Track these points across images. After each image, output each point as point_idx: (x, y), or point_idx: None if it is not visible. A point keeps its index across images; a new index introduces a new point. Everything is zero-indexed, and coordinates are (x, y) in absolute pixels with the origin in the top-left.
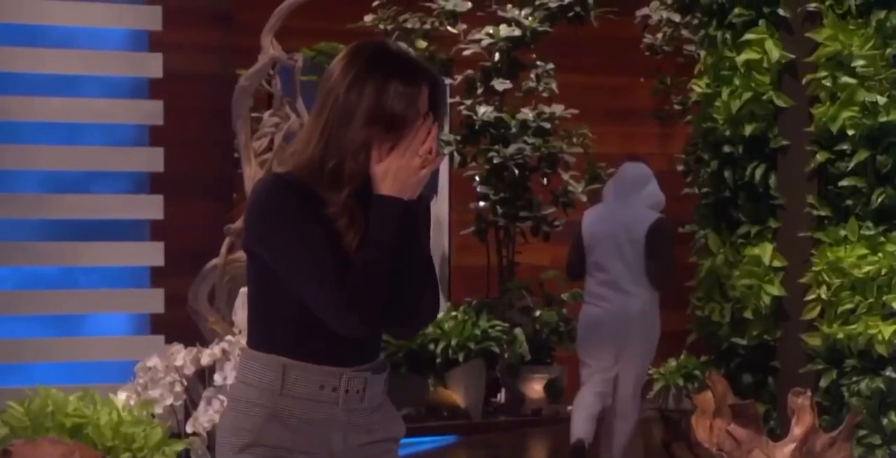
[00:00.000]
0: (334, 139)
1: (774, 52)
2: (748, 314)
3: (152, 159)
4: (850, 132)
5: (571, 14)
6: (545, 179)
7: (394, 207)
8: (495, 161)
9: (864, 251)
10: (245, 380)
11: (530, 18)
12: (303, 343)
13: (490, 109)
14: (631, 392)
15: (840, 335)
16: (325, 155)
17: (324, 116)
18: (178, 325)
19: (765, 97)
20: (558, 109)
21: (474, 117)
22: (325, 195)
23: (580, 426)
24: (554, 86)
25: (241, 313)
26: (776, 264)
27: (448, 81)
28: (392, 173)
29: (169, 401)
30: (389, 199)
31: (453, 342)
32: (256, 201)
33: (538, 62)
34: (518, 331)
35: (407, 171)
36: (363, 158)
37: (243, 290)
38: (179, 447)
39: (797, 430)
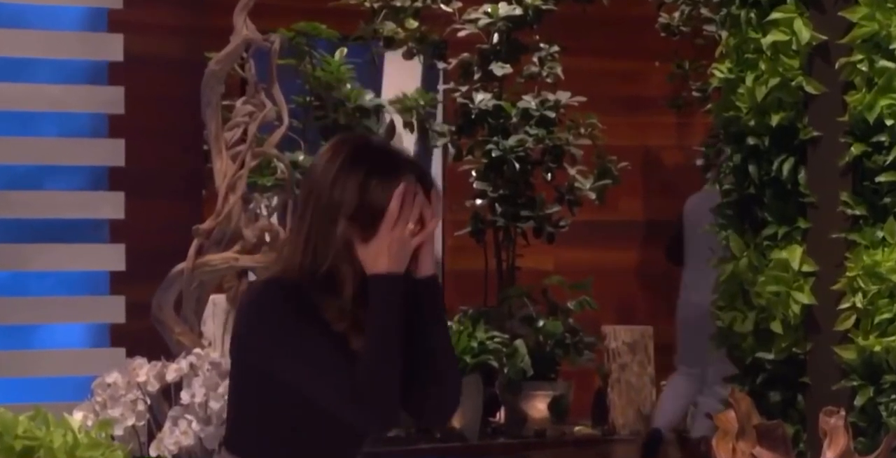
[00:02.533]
0: (321, 241)
1: (804, 33)
2: (775, 325)
3: (112, 152)
4: (889, 122)
5: None
6: (549, 175)
7: (392, 284)
8: (494, 154)
9: None
10: None
11: None
12: (294, 447)
13: (488, 96)
14: (721, 382)
15: (877, 348)
16: (314, 259)
17: (307, 217)
18: (141, 336)
19: (793, 83)
20: (564, 96)
21: (470, 106)
22: (322, 300)
23: (665, 415)
24: (559, 71)
25: (210, 324)
26: (806, 268)
27: (441, 65)
28: (384, 250)
29: (130, 421)
30: (385, 277)
31: None
32: (249, 310)
33: (541, 44)
34: (519, 343)
35: (399, 242)
36: (357, 259)
37: (213, 297)
38: None
39: (829, 453)
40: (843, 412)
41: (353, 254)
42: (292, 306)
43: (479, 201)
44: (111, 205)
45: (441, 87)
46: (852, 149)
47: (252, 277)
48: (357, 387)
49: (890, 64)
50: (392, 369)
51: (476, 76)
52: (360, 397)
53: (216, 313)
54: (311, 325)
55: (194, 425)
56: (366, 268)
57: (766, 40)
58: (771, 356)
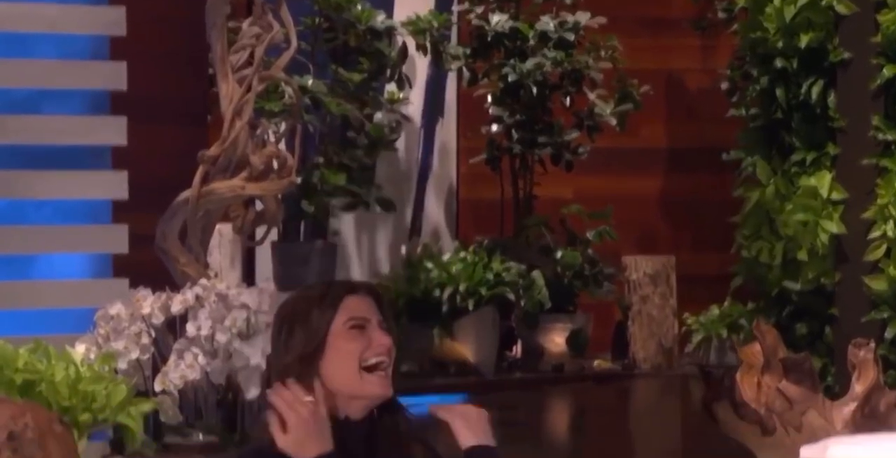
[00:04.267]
0: (282, 376)
1: None
2: (802, 255)
3: (114, 75)
4: None
5: None
6: (568, 100)
7: None
8: (510, 78)
9: None
10: None
11: None
12: None
13: (504, 17)
14: None
15: None
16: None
17: (275, 360)
18: (145, 267)
19: (823, 3)
20: (583, 17)
21: (486, 28)
22: None
23: None
24: None
25: (216, 254)
26: (835, 196)
27: None
28: (301, 435)
29: (134, 355)
30: (347, 423)
31: (462, 288)
32: None
33: None
34: (536, 274)
35: (305, 424)
36: (307, 386)
37: (219, 227)
38: (146, 406)
39: (858, 387)
40: (872, 345)
41: (311, 384)
42: None
43: (494, 128)
44: (113, 130)
45: (455, 8)
46: (884, 71)
47: (259, 206)
48: None
49: None
50: None
51: None
52: None
53: (222, 244)
54: None
55: (200, 358)
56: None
57: None
58: (798, 287)
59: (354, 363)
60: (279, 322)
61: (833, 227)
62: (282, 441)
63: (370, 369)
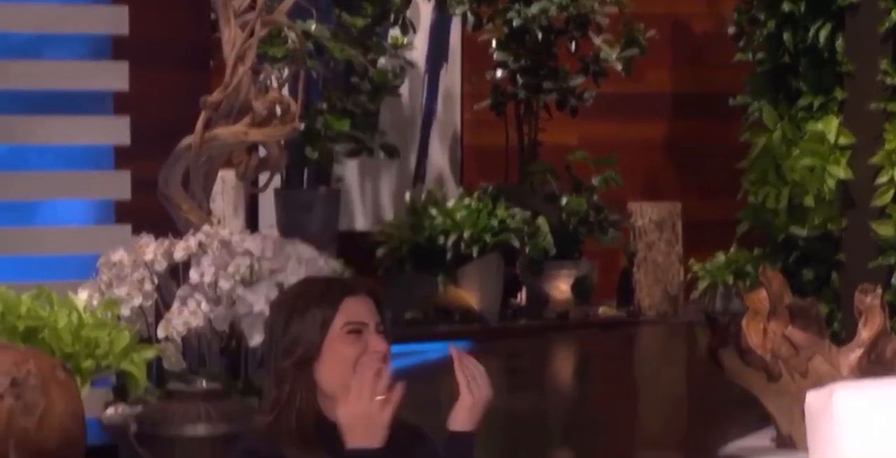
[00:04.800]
0: (279, 378)
1: None
2: (809, 200)
3: (115, 19)
4: None
5: None
6: (573, 44)
7: None
8: (515, 23)
9: None
10: None
11: None
12: None
13: None
14: None
15: None
16: (284, 412)
17: (271, 371)
18: (148, 213)
19: None
20: None
21: None
22: (292, 456)
23: None
24: None
25: (219, 201)
26: (842, 141)
27: None
28: (357, 423)
29: (137, 301)
30: (358, 452)
31: (466, 235)
32: None
33: None
34: (541, 221)
35: (365, 417)
36: (303, 390)
37: (222, 173)
38: (150, 353)
39: (865, 333)
40: (879, 291)
41: (307, 388)
42: None
43: (499, 73)
44: (115, 75)
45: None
46: (893, 14)
47: (262, 152)
48: None
49: None
50: None
51: None
52: None
53: (225, 190)
54: None
55: (203, 305)
56: (345, 439)
57: None
58: (804, 233)
59: (349, 369)
60: (276, 318)
61: (840, 172)
62: (339, 416)
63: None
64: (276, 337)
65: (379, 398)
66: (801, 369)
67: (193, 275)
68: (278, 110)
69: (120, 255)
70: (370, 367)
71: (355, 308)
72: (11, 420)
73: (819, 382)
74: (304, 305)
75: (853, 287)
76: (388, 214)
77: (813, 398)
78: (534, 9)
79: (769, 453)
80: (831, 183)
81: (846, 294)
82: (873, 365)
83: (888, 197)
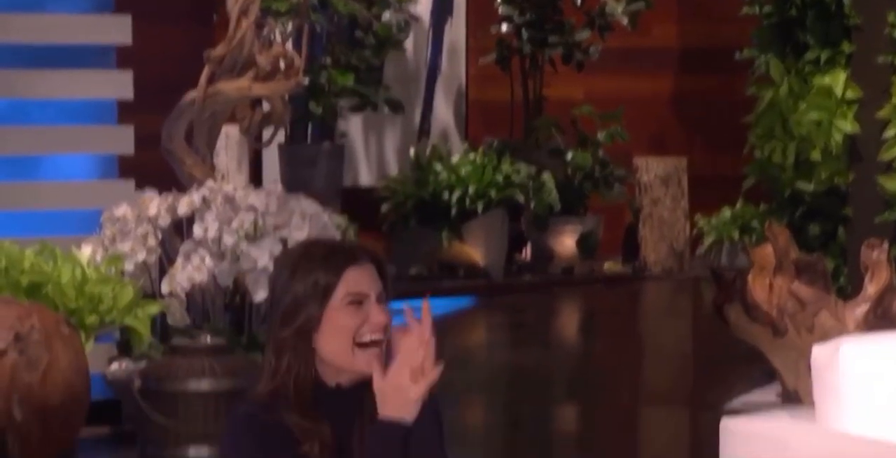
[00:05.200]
0: (279, 347)
1: None
2: (815, 155)
3: None
4: None
5: None
6: None
7: (393, 430)
8: None
9: None
10: None
11: None
12: None
13: None
14: None
15: None
16: (284, 377)
17: (273, 335)
18: (151, 168)
19: None
20: None
21: None
22: (294, 422)
23: None
24: None
25: (223, 156)
26: (850, 95)
27: None
28: (390, 394)
29: (141, 256)
30: (387, 422)
31: (471, 190)
32: (227, 443)
33: None
34: (546, 176)
35: (400, 390)
36: (302, 359)
37: (226, 129)
38: (154, 309)
39: (871, 288)
40: (885, 246)
41: (306, 355)
42: (264, 440)
43: (504, 27)
44: (117, 29)
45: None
46: None
47: (266, 107)
48: None
49: None
50: None
51: None
52: None
53: (229, 145)
54: (284, 456)
55: (207, 260)
56: (378, 407)
57: None
58: (811, 188)
59: (348, 339)
60: (278, 281)
61: (847, 126)
62: (375, 386)
63: (364, 346)
64: (277, 300)
65: (417, 371)
66: (806, 324)
67: (197, 230)
68: (282, 65)
69: (123, 210)
70: (414, 343)
71: (357, 279)
72: (15, 375)
73: (825, 337)
74: (307, 268)
75: (860, 242)
76: (393, 170)
77: (819, 352)
78: None
79: (775, 408)
80: (838, 137)
81: (852, 249)
82: (879, 320)
83: (895, 151)
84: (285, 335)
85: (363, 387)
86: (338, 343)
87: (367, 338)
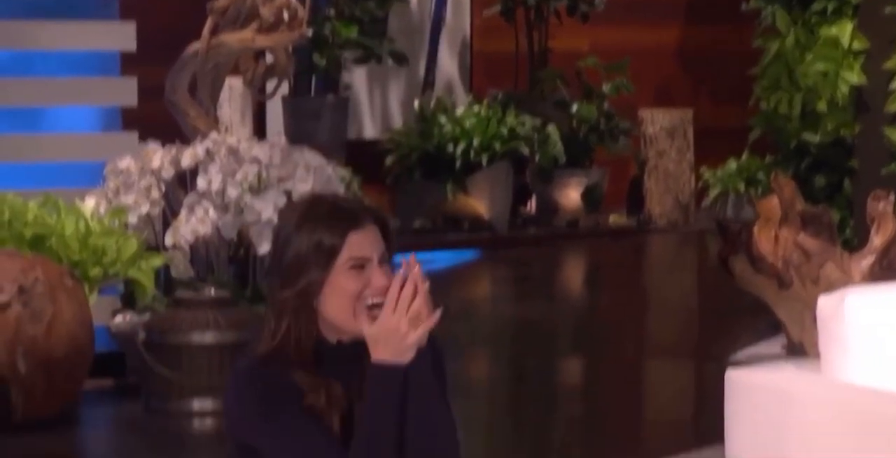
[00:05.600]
0: (280, 308)
1: None
2: (822, 106)
3: None
4: None
5: None
6: None
7: (390, 374)
8: None
9: None
10: None
11: None
12: None
13: None
14: None
15: None
16: (286, 333)
17: (275, 290)
18: (154, 120)
19: None
20: None
21: None
22: (295, 377)
23: None
24: None
25: (226, 108)
26: (856, 46)
27: None
28: (383, 338)
29: (145, 209)
30: (383, 366)
31: (475, 142)
32: (230, 398)
33: None
34: (551, 129)
35: (397, 335)
36: (304, 320)
37: (229, 80)
38: (158, 261)
39: (877, 240)
40: (892, 197)
41: (302, 315)
42: (268, 393)
43: None
44: None
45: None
46: None
47: (269, 59)
48: None
49: None
50: (383, 455)
51: None
52: None
53: (232, 97)
54: (288, 409)
55: (211, 213)
56: (370, 350)
57: None
58: (817, 139)
59: (350, 303)
60: (279, 241)
61: (853, 77)
62: (367, 330)
63: (366, 309)
64: (278, 260)
65: (412, 317)
66: (812, 276)
67: (201, 183)
68: (286, 16)
69: (127, 162)
70: (409, 288)
71: (360, 242)
72: (19, 328)
73: (830, 289)
74: (310, 228)
75: (866, 194)
76: (397, 122)
77: (824, 302)
78: None
79: (780, 360)
80: (844, 88)
81: (858, 201)
82: (885, 271)
83: None
84: (287, 296)
85: (364, 343)
86: (340, 306)
87: (369, 302)
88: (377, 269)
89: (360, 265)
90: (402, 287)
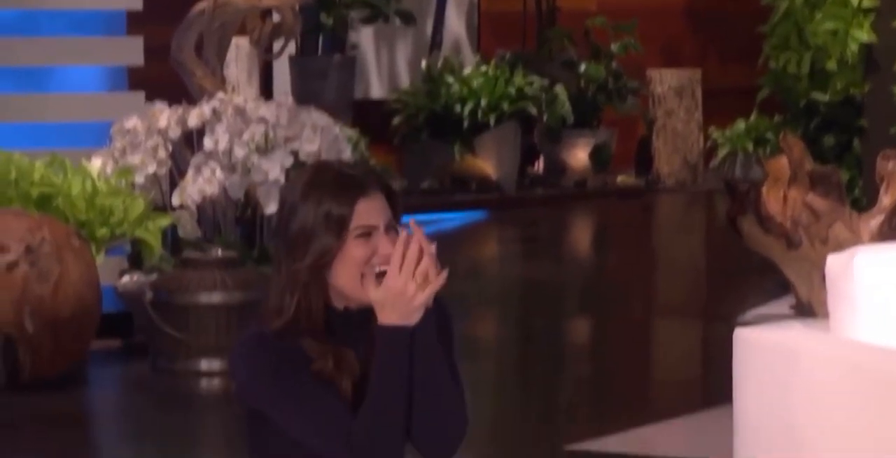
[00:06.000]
0: (292, 281)
1: None
2: (831, 65)
3: None
4: None
5: None
6: None
7: (397, 336)
8: None
9: None
10: None
11: None
12: None
13: None
14: None
15: None
16: (293, 300)
17: (280, 257)
18: (161, 80)
19: None
20: None
21: None
22: (307, 343)
23: None
24: None
25: (233, 67)
26: (866, 4)
27: None
28: (390, 301)
29: (151, 169)
30: (390, 329)
31: (483, 103)
32: (238, 365)
33: None
34: (559, 89)
35: (404, 297)
36: (315, 292)
37: (236, 40)
38: (165, 221)
39: (886, 200)
40: None
41: (312, 288)
42: (277, 359)
43: None
44: None
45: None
46: None
47: (276, 18)
48: (355, 446)
49: None
50: (393, 426)
51: None
52: (359, 456)
53: (239, 57)
54: (297, 374)
55: (218, 173)
56: (376, 313)
57: None
58: (826, 98)
59: (358, 271)
60: (285, 212)
61: (863, 35)
62: (373, 294)
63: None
64: (284, 231)
65: (419, 279)
66: (821, 235)
67: (208, 142)
68: None
69: (133, 122)
70: (414, 250)
71: (367, 211)
72: (26, 287)
73: (839, 249)
74: (317, 196)
75: (875, 153)
76: (404, 82)
77: (834, 261)
78: None
79: (788, 320)
80: (854, 47)
81: (868, 160)
82: (894, 231)
83: None
84: (299, 269)
85: (371, 309)
86: (347, 275)
87: (376, 270)
88: (384, 236)
89: (367, 233)
90: (406, 250)
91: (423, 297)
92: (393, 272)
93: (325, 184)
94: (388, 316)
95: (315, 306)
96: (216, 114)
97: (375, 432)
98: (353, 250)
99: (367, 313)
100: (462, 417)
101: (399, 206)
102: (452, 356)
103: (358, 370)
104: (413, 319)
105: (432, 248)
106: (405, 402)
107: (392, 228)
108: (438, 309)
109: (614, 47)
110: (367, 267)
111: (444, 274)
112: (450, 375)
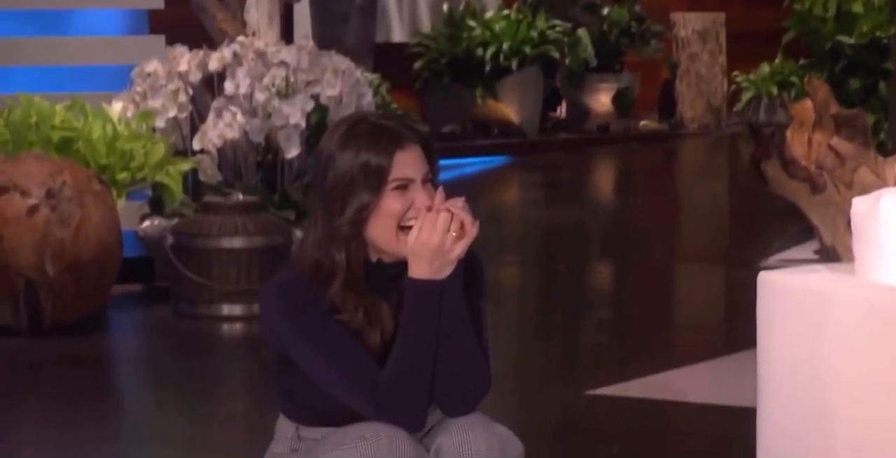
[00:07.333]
0: (329, 235)
1: None
2: (857, 7)
3: None
4: None
5: None
6: None
7: (428, 289)
8: None
9: None
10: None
11: None
12: (334, 415)
13: None
14: None
15: None
16: (317, 254)
17: (316, 209)
18: (182, 23)
19: None
20: None
21: None
22: (336, 294)
23: None
24: None
25: (253, 12)
26: None
27: None
28: (427, 255)
29: (172, 113)
30: (421, 282)
31: (505, 47)
32: (265, 312)
33: None
34: (582, 32)
35: (439, 250)
36: (354, 246)
37: None
38: (185, 166)
39: None
40: None
41: (358, 241)
42: (307, 305)
43: None
44: None
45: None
46: None
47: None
48: (381, 397)
49: None
50: (420, 379)
51: None
52: (385, 407)
53: (260, 1)
54: (326, 322)
55: (239, 117)
56: (409, 267)
57: None
58: (852, 41)
59: (394, 224)
60: (322, 164)
61: None
62: (407, 248)
63: (409, 230)
64: (321, 180)
65: (452, 233)
66: (845, 179)
67: (228, 86)
68: None
69: (154, 66)
70: (448, 205)
71: (404, 163)
72: (47, 231)
73: (864, 192)
74: (354, 148)
75: None
76: (426, 26)
77: (859, 204)
78: None
79: (812, 264)
80: None
81: (893, 103)
82: None
83: None
84: (339, 224)
85: (405, 263)
86: (383, 228)
87: (412, 223)
88: (421, 189)
89: (403, 186)
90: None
91: (460, 248)
92: (428, 228)
93: (362, 135)
94: (421, 269)
95: (354, 260)
96: (237, 58)
97: (402, 384)
98: (390, 203)
99: (402, 266)
100: (483, 375)
101: (435, 159)
102: (482, 314)
103: (390, 323)
104: (444, 272)
105: (463, 203)
106: (433, 356)
107: (428, 181)
108: (473, 262)
109: None
110: (403, 220)
111: (477, 225)
112: (473, 332)
